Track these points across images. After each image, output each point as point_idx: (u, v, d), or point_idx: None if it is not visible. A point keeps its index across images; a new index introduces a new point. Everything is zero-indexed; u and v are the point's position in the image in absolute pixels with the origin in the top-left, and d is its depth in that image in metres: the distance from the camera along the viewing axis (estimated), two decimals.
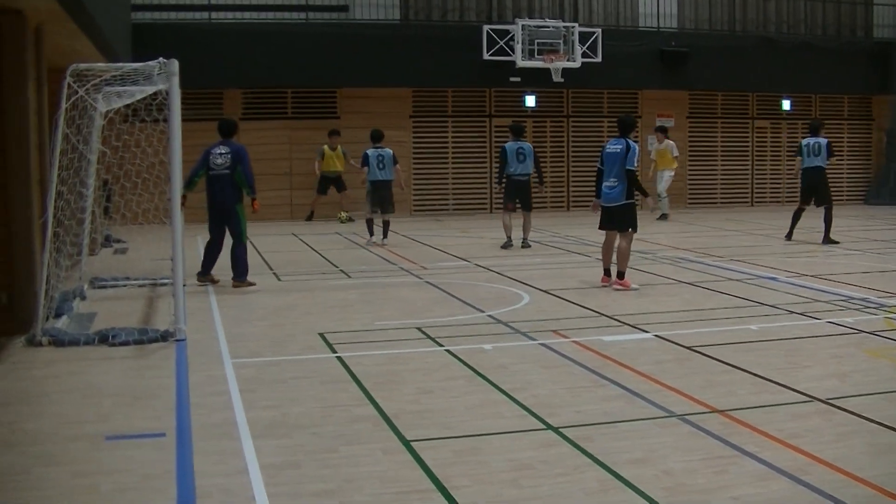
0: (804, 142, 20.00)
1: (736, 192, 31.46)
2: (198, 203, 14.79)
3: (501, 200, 19.55)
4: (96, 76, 11.85)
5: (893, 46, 31.56)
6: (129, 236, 19.39)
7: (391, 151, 19.84)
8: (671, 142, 26.40)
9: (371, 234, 19.92)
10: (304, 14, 27.13)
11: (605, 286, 14.34)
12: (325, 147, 25.66)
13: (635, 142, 14.45)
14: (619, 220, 14.29)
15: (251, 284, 14.47)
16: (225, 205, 14.32)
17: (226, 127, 14.82)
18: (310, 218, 26.25)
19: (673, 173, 26.20)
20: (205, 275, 14.70)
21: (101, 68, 11.94)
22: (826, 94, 31.96)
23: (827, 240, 19.49)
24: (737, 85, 30.61)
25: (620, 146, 14.13)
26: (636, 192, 14.25)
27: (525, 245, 19.21)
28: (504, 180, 19.04)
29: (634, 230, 14.35)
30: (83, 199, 14.20)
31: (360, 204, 25.94)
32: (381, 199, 19.63)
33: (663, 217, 25.84)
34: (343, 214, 25.65)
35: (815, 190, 19.79)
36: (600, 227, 14.69)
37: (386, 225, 19.85)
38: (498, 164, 19.65)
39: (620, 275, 14.20)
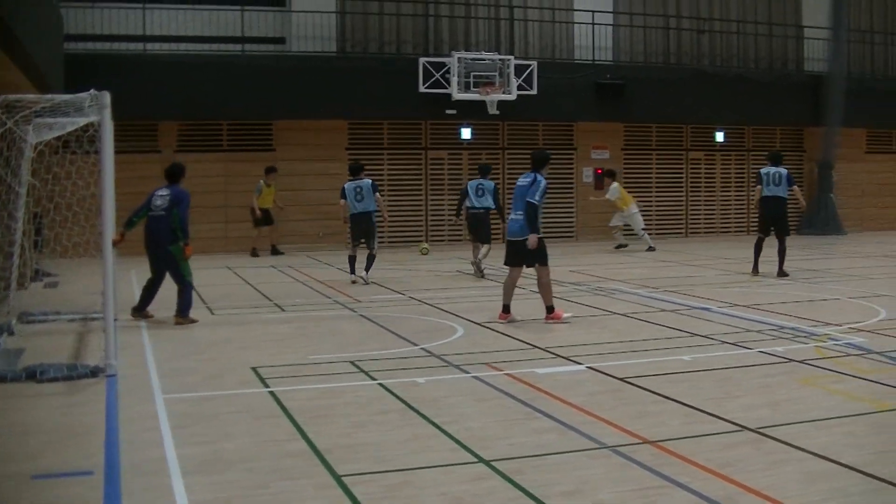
0: (764, 171, 19.73)
1: (670, 223, 31.76)
2: (135, 237, 14.63)
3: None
4: (26, 107, 11.71)
5: (824, 79, 32.07)
6: (61, 270, 19.19)
7: (370, 181, 19.32)
8: (613, 184, 26.59)
9: (353, 271, 19.22)
10: (241, 46, 27.06)
11: (502, 322, 14.07)
12: (262, 182, 25.47)
13: (545, 176, 14.04)
14: (526, 255, 13.99)
15: (193, 321, 14.33)
16: (159, 245, 14.23)
17: (171, 171, 14.83)
18: (276, 252, 25.87)
19: (629, 210, 26.74)
20: (139, 311, 14.59)
21: (31, 100, 11.79)
22: (759, 126, 32.43)
23: (781, 272, 19.37)
24: (671, 117, 30.96)
25: (529, 180, 13.89)
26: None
27: (475, 265, 19.99)
28: (462, 213, 20.24)
29: (543, 264, 13.98)
30: (12, 232, 14.02)
31: (292, 237, 26.06)
32: (361, 232, 19.21)
33: (650, 249, 26.39)
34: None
35: (777, 220, 19.59)
36: (505, 263, 14.51)
37: (370, 259, 19.06)
38: (458, 200, 20.89)
39: (549, 309, 14.04)
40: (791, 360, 11.10)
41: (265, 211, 25.60)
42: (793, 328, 13.23)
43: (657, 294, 17.00)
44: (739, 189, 32.15)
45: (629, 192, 27.33)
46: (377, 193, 19.27)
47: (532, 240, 13.81)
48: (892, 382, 9.87)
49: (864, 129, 33.74)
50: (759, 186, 19.85)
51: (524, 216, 13.82)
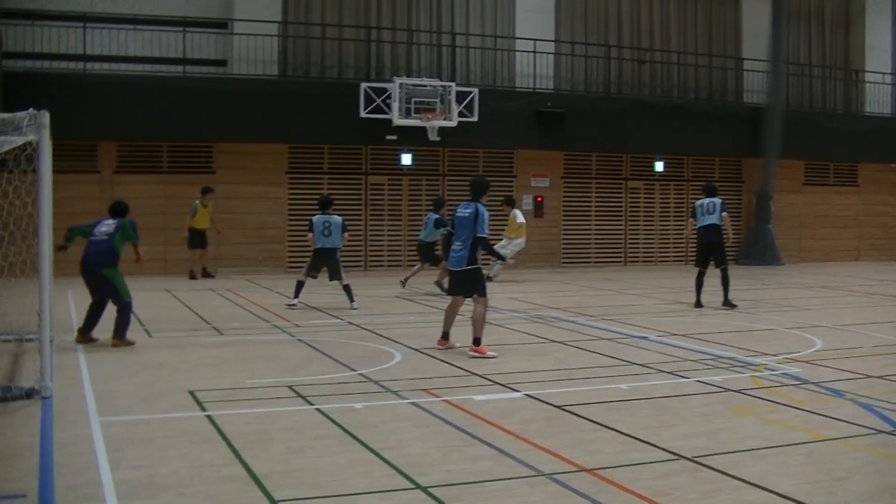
0: (698, 203, 19.83)
1: (609, 252, 31.94)
2: (74, 257, 14.51)
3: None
4: None
5: (763, 111, 32.48)
6: None
7: (340, 219, 19.32)
8: (514, 210, 26.03)
9: (296, 296, 19.15)
10: (182, 67, 26.93)
11: (440, 349, 14.02)
12: (198, 203, 25.33)
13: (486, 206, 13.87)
14: (464, 286, 13.87)
15: (130, 343, 14.21)
16: (95, 268, 14.17)
17: (115, 207, 14.89)
18: (195, 277, 25.63)
19: (519, 241, 25.82)
20: (84, 333, 14.43)
21: None
22: (698, 156, 32.73)
23: (727, 303, 19.34)
24: (611, 146, 31.18)
25: (470, 211, 13.67)
26: (492, 257, 13.99)
27: (437, 284, 21.42)
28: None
29: (481, 294, 13.81)
30: None
31: (231, 261, 25.95)
32: (321, 266, 19.19)
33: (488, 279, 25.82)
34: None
35: (712, 249, 19.45)
36: (448, 293, 14.56)
37: (346, 290, 19.03)
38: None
39: (476, 341, 13.70)
40: (727, 389, 11.18)
41: (200, 232, 25.43)
42: (730, 358, 13.33)
43: (595, 322, 17.07)
44: (678, 219, 32.38)
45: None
46: (345, 233, 19.38)
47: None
48: (827, 412, 9.97)
49: (801, 160, 34.20)
50: (691, 220, 20.05)
51: (466, 248, 13.65)
